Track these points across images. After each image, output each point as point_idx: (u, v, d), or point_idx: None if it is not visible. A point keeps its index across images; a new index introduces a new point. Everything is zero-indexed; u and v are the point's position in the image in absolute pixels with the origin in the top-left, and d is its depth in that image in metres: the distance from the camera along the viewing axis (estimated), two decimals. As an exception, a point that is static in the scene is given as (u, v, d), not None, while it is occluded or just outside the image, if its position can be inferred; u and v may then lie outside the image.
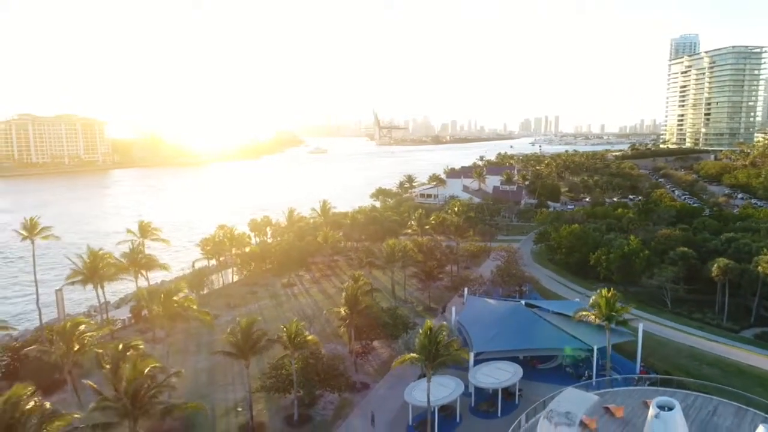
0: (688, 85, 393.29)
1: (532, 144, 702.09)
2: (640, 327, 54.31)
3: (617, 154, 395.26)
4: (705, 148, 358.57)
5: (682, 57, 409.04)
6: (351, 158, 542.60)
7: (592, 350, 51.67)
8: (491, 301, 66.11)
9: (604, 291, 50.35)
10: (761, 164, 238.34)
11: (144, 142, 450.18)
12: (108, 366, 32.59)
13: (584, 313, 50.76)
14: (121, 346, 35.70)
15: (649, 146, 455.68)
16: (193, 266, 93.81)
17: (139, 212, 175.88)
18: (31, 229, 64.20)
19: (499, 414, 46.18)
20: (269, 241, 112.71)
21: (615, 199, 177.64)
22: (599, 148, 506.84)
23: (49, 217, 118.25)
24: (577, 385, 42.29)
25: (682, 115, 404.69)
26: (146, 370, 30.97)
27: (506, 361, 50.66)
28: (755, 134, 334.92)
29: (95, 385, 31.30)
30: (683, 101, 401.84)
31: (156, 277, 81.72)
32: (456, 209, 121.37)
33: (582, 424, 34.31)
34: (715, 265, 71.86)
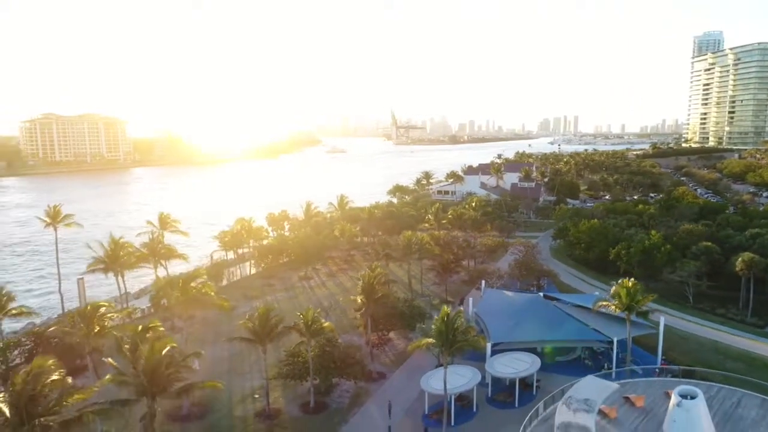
0: (712, 82, 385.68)
1: (551, 143, 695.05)
2: (662, 320, 53.33)
3: (638, 152, 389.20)
4: (729, 147, 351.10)
5: (706, 54, 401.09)
6: (369, 157, 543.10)
7: (612, 342, 50.93)
8: (509, 293, 65.55)
9: (625, 281, 49.46)
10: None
11: (164, 141, 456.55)
12: (127, 346, 33.00)
13: (604, 303, 49.88)
14: (140, 327, 36.17)
15: (671, 145, 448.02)
16: (212, 258, 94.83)
17: (159, 208, 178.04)
18: (54, 216, 65.52)
19: (516, 405, 45.67)
20: (287, 234, 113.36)
21: (635, 197, 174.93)
22: (620, 148, 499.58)
23: (73, 212, 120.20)
24: (597, 374, 41.60)
25: (705, 114, 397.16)
26: (165, 350, 31.28)
27: (524, 352, 50.17)
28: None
29: (115, 363, 31.71)
30: (706, 99, 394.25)
31: (175, 269, 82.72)
32: (473, 204, 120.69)
33: (601, 412, 33.75)
34: (740, 259, 70.32)
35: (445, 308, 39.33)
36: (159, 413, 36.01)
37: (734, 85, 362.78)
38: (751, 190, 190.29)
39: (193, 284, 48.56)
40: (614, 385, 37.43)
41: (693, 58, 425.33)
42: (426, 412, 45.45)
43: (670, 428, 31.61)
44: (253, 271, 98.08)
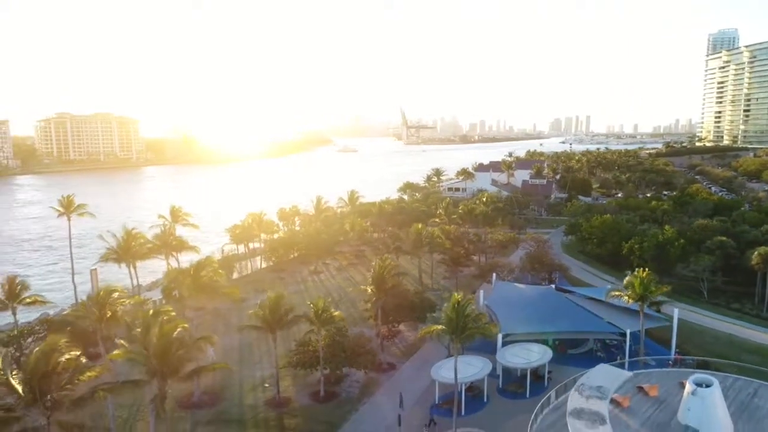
0: (727, 80, 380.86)
1: (563, 143, 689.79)
2: (675, 312, 52.68)
3: (651, 151, 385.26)
4: (744, 145, 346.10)
5: (720, 52, 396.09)
6: (380, 156, 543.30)
7: (625, 334, 50.37)
8: (520, 285, 65.10)
9: (639, 271, 48.85)
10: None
11: (176, 140, 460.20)
12: (138, 330, 33.18)
13: (617, 293, 49.28)
14: (151, 311, 36.38)
15: (685, 144, 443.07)
16: (222, 252, 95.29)
17: (171, 204, 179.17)
18: (67, 206, 66.17)
19: (527, 395, 45.29)
20: (297, 229, 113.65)
21: (648, 195, 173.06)
22: (632, 147, 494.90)
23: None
24: (610, 364, 41.11)
25: (720, 112, 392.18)
26: (175, 333, 31.41)
27: (535, 343, 49.75)
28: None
29: (126, 344, 31.91)
30: (721, 98, 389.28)
31: (186, 261, 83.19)
32: (484, 200, 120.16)
33: (614, 401, 33.32)
34: (756, 253, 69.26)
35: (456, 295, 39.01)
36: (170, 400, 36.18)
37: (749, 83, 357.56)
38: (767, 188, 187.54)
39: (203, 273, 48.76)
40: (627, 374, 36.97)
41: (707, 56, 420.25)
42: (436, 401, 45.25)
43: (684, 417, 31.05)
44: (264, 265, 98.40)
